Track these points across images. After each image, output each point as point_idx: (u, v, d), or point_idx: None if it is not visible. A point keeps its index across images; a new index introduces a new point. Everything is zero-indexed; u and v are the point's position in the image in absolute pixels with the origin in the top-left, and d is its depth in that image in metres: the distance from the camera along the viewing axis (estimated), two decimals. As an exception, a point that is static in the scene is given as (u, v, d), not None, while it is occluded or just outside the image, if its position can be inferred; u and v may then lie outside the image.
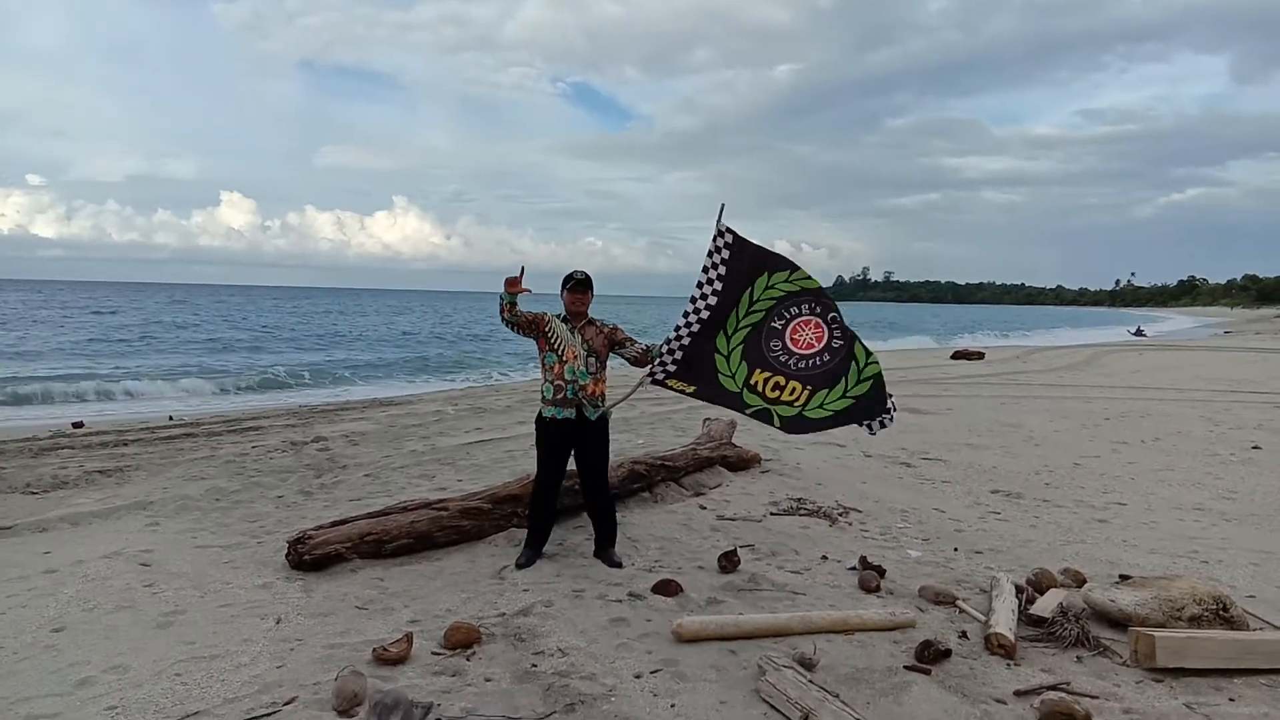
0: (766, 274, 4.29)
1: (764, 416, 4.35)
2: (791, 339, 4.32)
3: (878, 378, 4.28)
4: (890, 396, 4.35)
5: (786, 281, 4.33)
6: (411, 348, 28.88)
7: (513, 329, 4.45)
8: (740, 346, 4.31)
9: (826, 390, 4.29)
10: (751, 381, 4.32)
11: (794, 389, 4.29)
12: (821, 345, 4.29)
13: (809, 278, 4.34)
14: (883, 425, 4.34)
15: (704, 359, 4.26)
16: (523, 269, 4.31)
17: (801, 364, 4.31)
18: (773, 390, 4.32)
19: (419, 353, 26.53)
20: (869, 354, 4.30)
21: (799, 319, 4.31)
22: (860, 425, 4.33)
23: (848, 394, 4.28)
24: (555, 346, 4.47)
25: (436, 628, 3.59)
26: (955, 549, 5.12)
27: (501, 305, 4.36)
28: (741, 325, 4.31)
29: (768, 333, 4.33)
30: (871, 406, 4.30)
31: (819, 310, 4.32)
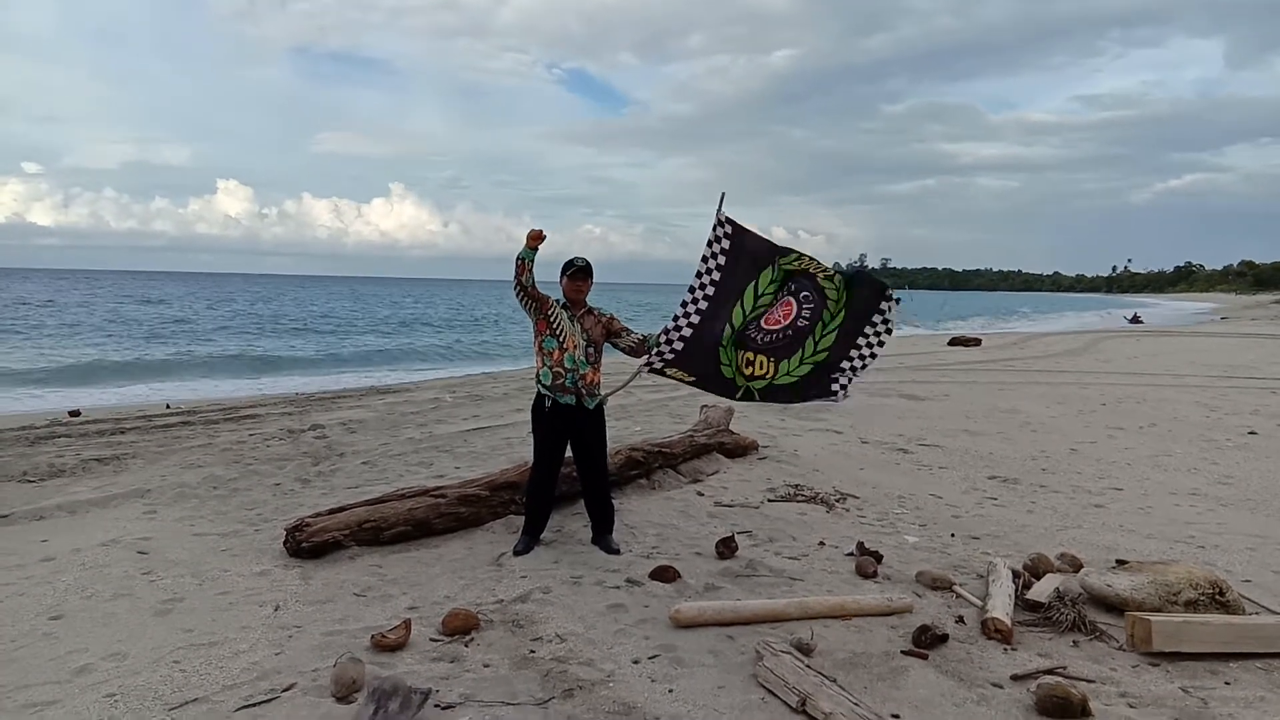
0: (771, 266, 4.29)
1: (748, 396, 4.45)
2: (766, 320, 4.36)
3: (818, 366, 4.37)
4: (836, 381, 4.42)
5: (781, 269, 4.33)
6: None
7: (521, 295, 4.34)
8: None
9: (787, 360, 4.39)
10: (739, 365, 4.37)
11: (761, 363, 4.36)
12: (787, 322, 4.35)
13: (800, 258, 4.33)
14: (835, 397, 4.45)
15: (708, 349, 4.26)
16: (542, 231, 4.26)
17: (766, 339, 4.36)
18: (746, 367, 4.40)
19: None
20: (817, 344, 4.37)
21: (780, 301, 4.35)
22: (812, 399, 4.49)
23: (792, 372, 4.39)
24: (556, 333, 4.45)
25: (435, 614, 3.60)
26: (952, 534, 5.14)
27: (520, 263, 4.26)
28: (749, 320, 4.32)
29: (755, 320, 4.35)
30: (807, 390, 4.42)
31: (793, 289, 4.36)
